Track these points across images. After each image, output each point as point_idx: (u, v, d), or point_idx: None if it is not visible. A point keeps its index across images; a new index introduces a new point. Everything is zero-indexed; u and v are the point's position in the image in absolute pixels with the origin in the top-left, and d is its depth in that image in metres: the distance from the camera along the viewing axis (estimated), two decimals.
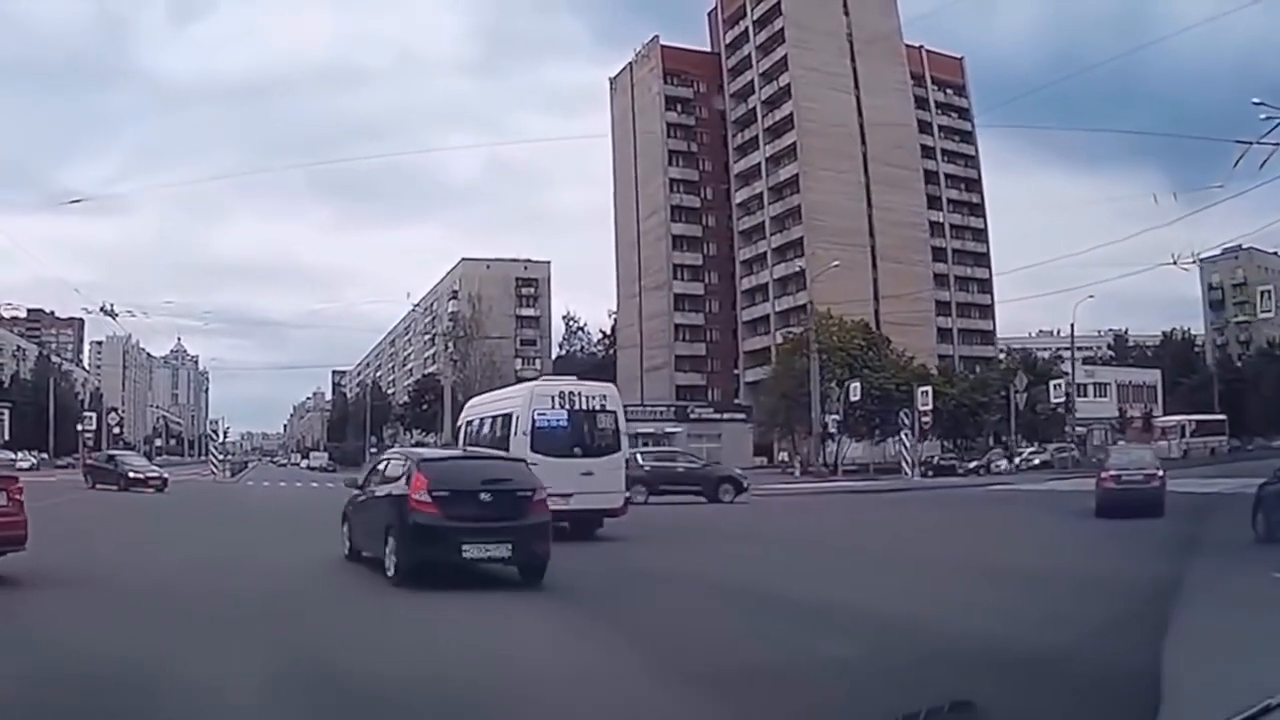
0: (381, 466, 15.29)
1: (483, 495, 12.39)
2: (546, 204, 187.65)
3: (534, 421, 18.10)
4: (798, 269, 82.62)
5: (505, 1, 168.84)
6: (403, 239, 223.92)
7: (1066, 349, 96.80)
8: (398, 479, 13.32)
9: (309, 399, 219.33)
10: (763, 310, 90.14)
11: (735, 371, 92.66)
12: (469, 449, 18.80)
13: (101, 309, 52.82)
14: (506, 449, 17.22)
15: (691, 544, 19.06)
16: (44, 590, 11.38)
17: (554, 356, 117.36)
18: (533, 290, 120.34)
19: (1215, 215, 79.93)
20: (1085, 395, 72.29)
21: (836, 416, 55.84)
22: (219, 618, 9.58)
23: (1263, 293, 56.80)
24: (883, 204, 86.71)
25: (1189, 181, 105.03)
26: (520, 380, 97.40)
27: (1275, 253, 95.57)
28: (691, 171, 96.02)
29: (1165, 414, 77.59)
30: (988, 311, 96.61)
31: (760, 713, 6.50)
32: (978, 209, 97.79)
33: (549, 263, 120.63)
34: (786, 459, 62.97)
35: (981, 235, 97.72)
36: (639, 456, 31.86)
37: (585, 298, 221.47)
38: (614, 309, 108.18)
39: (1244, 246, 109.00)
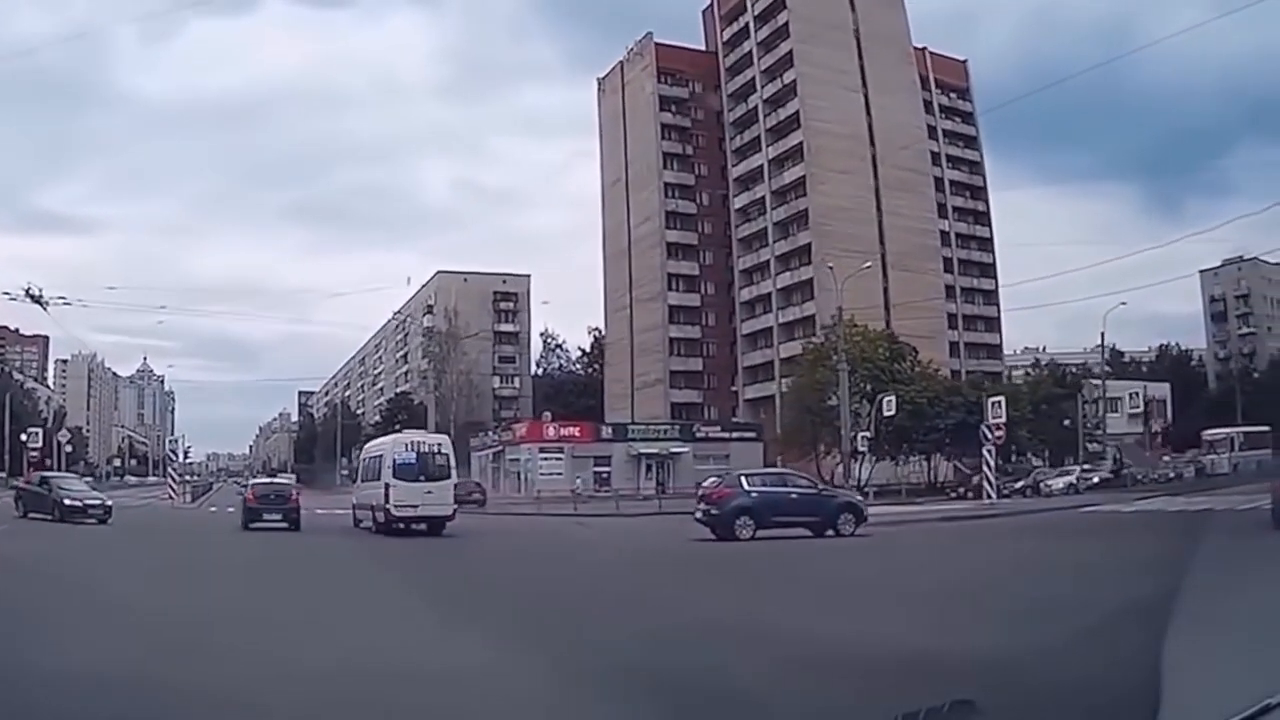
0: (242, 483, 55.48)
1: (271, 496, 31.82)
2: (523, 228, 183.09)
3: (395, 459, 28.02)
4: (804, 277, 77.19)
5: (479, 26, 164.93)
6: (377, 262, 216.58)
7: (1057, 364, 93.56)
8: (245, 488, 37.67)
9: (275, 420, 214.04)
10: (764, 323, 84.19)
11: (733, 388, 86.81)
12: (270, 478, 47.75)
13: (27, 293, 43.57)
14: (379, 477, 28.33)
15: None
16: None
17: (532, 374, 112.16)
18: (512, 305, 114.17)
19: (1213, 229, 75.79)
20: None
21: (868, 434, 50.01)
22: None
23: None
24: (892, 208, 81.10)
25: (1171, 196, 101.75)
26: (497, 398, 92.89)
27: None
28: (687, 176, 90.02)
29: (1187, 429, 73.58)
30: (994, 324, 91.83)
31: None
32: (983, 217, 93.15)
33: (529, 276, 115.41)
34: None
35: (988, 245, 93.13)
36: (744, 481, 25.63)
37: (563, 320, 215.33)
38: (594, 326, 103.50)
39: (1245, 257, 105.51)
